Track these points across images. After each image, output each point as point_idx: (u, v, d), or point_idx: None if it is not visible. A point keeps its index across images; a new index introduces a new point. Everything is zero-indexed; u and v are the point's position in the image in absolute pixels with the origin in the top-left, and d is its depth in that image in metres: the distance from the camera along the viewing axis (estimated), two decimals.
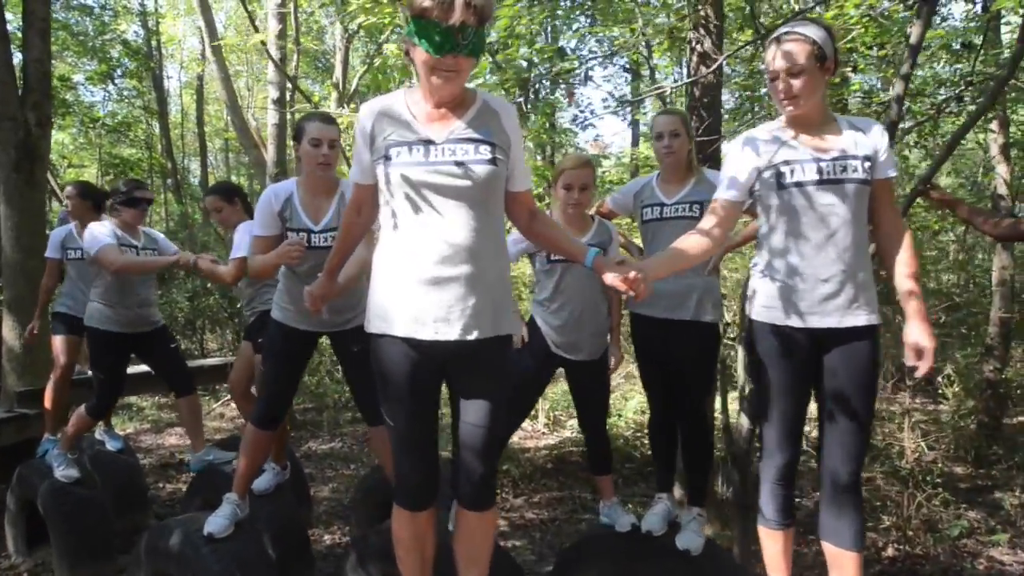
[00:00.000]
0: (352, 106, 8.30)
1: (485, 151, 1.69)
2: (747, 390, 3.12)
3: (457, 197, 1.69)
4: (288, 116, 6.51)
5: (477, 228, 1.70)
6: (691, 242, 1.96)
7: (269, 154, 6.50)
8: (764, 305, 1.99)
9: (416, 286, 1.69)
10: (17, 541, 3.46)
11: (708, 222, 1.99)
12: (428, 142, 1.69)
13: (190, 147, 20.17)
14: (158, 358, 3.51)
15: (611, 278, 1.76)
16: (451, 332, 1.70)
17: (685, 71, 5.80)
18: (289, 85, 6.58)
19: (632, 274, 1.74)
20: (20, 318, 4.62)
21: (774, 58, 1.88)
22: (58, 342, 3.83)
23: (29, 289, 4.65)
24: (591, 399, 2.61)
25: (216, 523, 2.37)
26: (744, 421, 3.15)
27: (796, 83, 1.85)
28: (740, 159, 1.99)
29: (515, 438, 5.39)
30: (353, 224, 1.91)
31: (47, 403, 3.81)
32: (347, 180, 2.38)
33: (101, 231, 3.20)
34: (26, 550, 3.46)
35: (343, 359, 2.65)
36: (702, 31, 3.61)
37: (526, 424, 5.62)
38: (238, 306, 8.22)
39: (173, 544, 2.33)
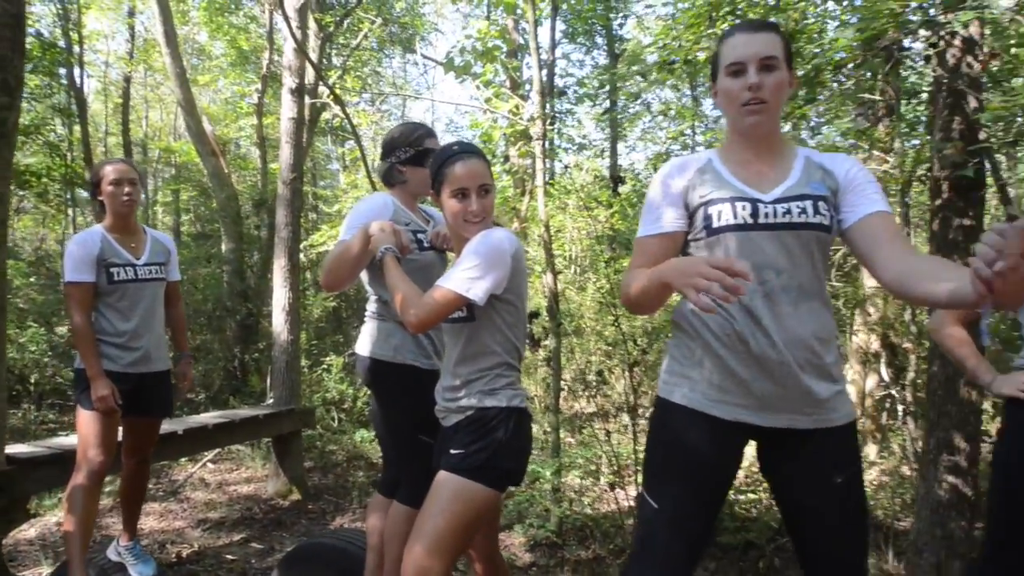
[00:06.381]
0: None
1: None
2: None
3: None
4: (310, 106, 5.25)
5: None
6: None
7: (284, 155, 5.20)
8: None
9: None
10: None
11: None
12: None
13: (101, 158, 17.95)
14: None
15: None
16: None
17: None
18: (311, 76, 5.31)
19: None
20: None
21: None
22: (88, 420, 2.32)
23: None
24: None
25: None
26: None
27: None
28: None
29: None
30: None
31: (68, 526, 2.36)
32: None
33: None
34: None
35: (797, 495, 1.45)
36: None
37: None
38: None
39: None
